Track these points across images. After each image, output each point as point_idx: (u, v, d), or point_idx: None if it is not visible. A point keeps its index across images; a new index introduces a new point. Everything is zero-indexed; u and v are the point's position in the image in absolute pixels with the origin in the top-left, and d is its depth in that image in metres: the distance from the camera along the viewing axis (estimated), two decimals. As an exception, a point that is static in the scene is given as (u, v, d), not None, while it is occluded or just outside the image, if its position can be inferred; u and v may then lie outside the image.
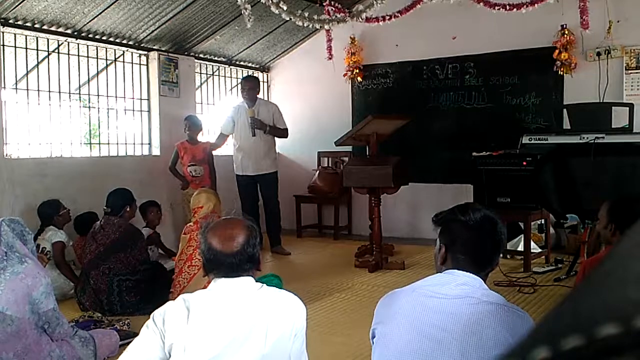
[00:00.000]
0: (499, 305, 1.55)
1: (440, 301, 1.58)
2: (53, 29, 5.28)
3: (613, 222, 2.83)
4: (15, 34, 5.08)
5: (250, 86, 6.03)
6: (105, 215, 4.35)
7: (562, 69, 5.85)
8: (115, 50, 5.96)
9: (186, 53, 6.57)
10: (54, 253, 4.48)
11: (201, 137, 6.23)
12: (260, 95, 6.27)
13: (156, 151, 6.28)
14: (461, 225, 1.65)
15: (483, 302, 1.55)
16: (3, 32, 4.94)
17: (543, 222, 5.47)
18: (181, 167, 5.93)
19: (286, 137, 6.28)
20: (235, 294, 1.83)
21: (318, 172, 6.97)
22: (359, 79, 7.01)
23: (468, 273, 1.61)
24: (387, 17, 6.17)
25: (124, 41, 5.92)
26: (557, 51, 5.83)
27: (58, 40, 5.41)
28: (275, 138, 6.21)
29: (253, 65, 7.61)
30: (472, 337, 1.50)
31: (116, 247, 4.18)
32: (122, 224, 4.30)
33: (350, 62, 6.97)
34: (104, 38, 5.74)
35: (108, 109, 5.97)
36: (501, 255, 5.41)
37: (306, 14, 5.46)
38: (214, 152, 6.16)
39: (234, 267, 1.84)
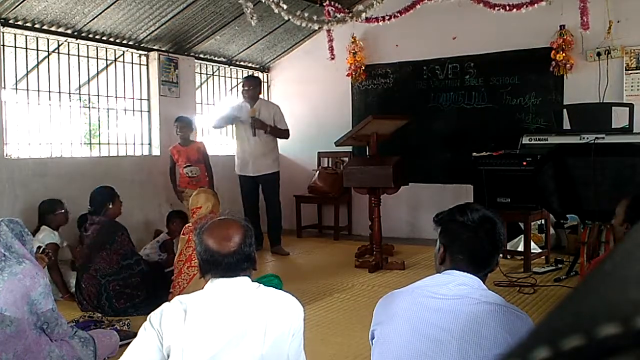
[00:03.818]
0: (498, 306, 1.55)
1: (439, 301, 1.58)
2: (53, 29, 5.28)
3: (628, 220, 2.76)
4: (15, 34, 5.08)
5: (252, 86, 6.02)
6: (90, 216, 4.31)
7: (556, 70, 5.85)
8: (115, 50, 5.96)
9: (186, 53, 6.57)
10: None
11: (194, 137, 6.20)
12: (260, 96, 6.26)
13: (156, 151, 6.28)
14: (459, 226, 1.65)
15: (482, 303, 1.55)
16: (3, 32, 4.94)
17: (543, 222, 5.47)
18: (178, 170, 5.90)
19: (287, 138, 6.26)
20: (233, 294, 1.83)
21: (318, 172, 6.97)
22: (362, 77, 6.99)
23: (467, 273, 1.61)
24: (387, 17, 6.17)
25: (124, 41, 5.92)
26: (553, 52, 5.83)
27: (58, 40, 5.41)
28: (277, 139, 6.20)
29: (253, 66, 7.61)
30: (471, 337, 1.50)
31: (97, 246, 4.15)
32: (101, 222, 4.25)
33: (355, 62, 6.94)
34: (104, 38, 5.74)
35: (108, 109, 5.97)
36: (501, 255, 5.39)
37: (306, 14, 5.46)
38: (216, 131, 6.07)
39: (232, 266, 1.83)
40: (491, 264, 1.67)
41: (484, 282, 1.64)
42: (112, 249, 4.17)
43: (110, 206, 4.32)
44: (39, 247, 3.69)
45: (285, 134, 6.16)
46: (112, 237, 4.20)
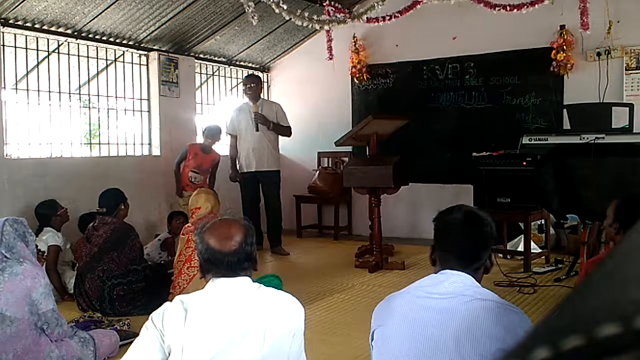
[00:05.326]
0: (493, 302, 1.58)
1: (434, 301, 1.60)
2: (53, 29, 5.28)
3: (618, 220, 2.77)
4: (15, 34, 5.08)
5: (253, 84, 6.05)
6: (99, 216, 4.30)
7: (557, 70, 5.85)
8: (115, 50, 5.96)
9: (186, 53, 6.57)
10: (47, 256, 4.43)
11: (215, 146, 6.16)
12: (261, 95, 6.27)
13: (156, 151, 6.28)
14: (445, 225, 1.72)
15: (477, 300, 1.58)
16: (3, 32, 4.94)
17: (543, 222, 5.47)
18: (184, 166, 5.90)
19: (289, 135, 6.29)
20: (234, 294, 1.83)
21: (318, 172, 6.97)
22: (367, 76, 6.98)
23: (459, 272, 1.64)
24: (387, 18, 6.17)
25: (124, 41, 5.92)
26: (554, 52, 5.83)
27: (58, 40, 5.41)
28: (279, 138, 6.21)
29: (253, 66, 7.61)
30: (467, 334, 1.52)
31: (108, 246, 4.14)
32: (115, 222, 4.25)
33: (361, 61, 6.92)
34: (104, 38, 5.74)
35: (108, 109, 5.97)
36: (501, 255, 5.35)
37: (306, 14, 5.46)
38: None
39: (233, 266, 1.83)
40: (480, 258, 1.68)
41: (476, 279, 1.65)
42: (123, 252, 4.16)
43: (122, 207, 4.36)
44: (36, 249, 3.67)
45: (287, 130, 6.20)
46: (126, 239, 4.21)
